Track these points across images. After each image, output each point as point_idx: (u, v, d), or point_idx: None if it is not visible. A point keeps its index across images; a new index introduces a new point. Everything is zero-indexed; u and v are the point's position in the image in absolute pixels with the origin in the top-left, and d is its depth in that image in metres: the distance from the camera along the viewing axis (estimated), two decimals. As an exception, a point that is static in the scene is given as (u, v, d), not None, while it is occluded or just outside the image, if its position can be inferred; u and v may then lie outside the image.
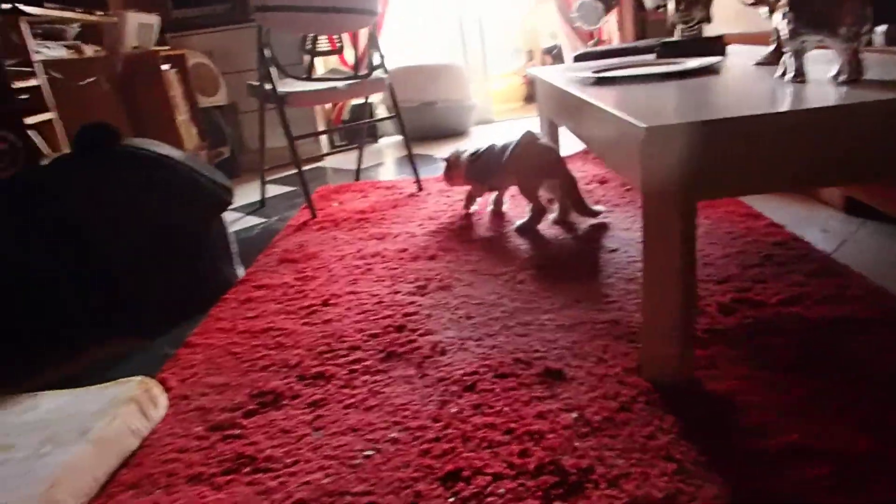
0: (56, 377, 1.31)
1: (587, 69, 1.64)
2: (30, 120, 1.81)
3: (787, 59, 1.13)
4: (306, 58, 2.60)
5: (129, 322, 1.55)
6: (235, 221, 2.48)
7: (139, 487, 0.95)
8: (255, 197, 2.75)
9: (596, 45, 3.59)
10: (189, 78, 3.01)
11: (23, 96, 1.75)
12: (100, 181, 1.51)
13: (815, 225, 1.66)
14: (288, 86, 2.33)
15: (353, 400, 1.12)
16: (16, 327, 1.40)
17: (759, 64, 1.43)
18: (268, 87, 2.27)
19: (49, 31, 2.07)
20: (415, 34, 4.43)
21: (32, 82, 1.84)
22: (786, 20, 1.10)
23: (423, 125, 3.73)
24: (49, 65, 1.97)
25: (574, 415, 0.99)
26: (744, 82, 1.23)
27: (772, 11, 1.15)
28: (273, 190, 2.93)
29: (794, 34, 1.09)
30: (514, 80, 5.23)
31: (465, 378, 1.13)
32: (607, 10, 3.38)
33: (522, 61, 5.23)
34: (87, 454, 0.93)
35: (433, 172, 2.75)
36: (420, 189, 2.54)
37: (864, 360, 1.06)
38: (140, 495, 0.93)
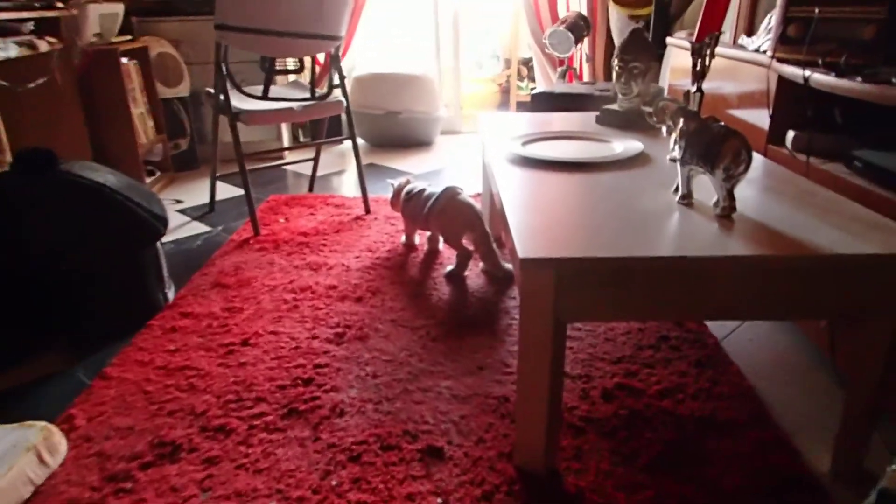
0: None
1: (519, 137, 1.71)
2: (-29, 126, 1.83)
3: (679, 180, 1.22)
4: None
5: (57, 340, 1.61)
6: (182, 226, 2.52)
7: (25, 541, 1.02)
8: (208, 197, 2.77)
9: (566, 72, 3.65)
10: (150, 69, 3.00)
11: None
12: (36, 204, 1.55)
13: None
14: (244, 102, 2.35)
15: (245, 460, 1.19)
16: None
17: (672, 160, 1.51)
18: (223, 99, 2.30)
19: (3, 28, 2.07)
20: (390, 31, 4.40)
21: (-22, 86, 1.85)
22: (678, 147, 1.19)
23: (388, 134, 3.77)
24: (-3, 67, 1.97)
25: (439, 500, 1.08)
26: (637, 195, 1.29)
27: (669, 132, 1.23)
28: (226, 191, 2.95)
29: (683, 162, 1.18)
30: (490, 86, 5.28)
31: (353, 447, 1.22)
32: (577, 40, 3.45)
33: (500, 68, 5.28)
34: (-22, 508, 1.00)
35: (386, 191, 2.80)
36: (368, 212, 2.59)
37: (714, 465, 1.17)
38: (25, 550, 1.00)
